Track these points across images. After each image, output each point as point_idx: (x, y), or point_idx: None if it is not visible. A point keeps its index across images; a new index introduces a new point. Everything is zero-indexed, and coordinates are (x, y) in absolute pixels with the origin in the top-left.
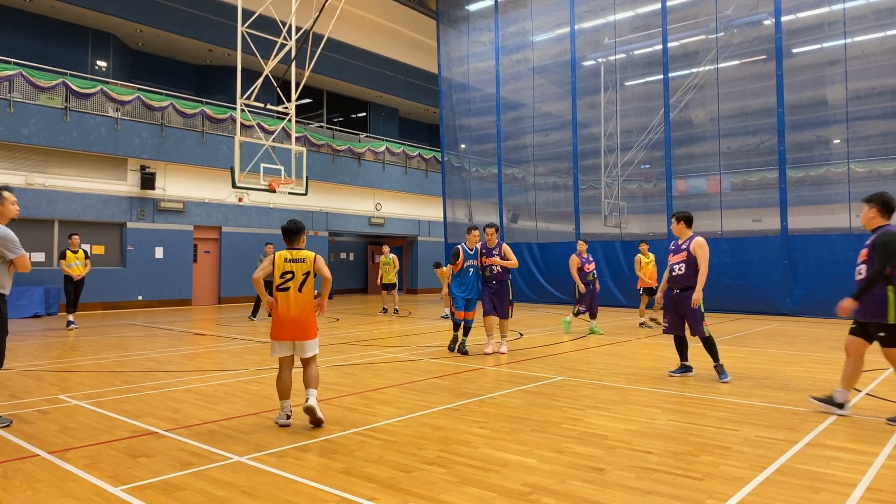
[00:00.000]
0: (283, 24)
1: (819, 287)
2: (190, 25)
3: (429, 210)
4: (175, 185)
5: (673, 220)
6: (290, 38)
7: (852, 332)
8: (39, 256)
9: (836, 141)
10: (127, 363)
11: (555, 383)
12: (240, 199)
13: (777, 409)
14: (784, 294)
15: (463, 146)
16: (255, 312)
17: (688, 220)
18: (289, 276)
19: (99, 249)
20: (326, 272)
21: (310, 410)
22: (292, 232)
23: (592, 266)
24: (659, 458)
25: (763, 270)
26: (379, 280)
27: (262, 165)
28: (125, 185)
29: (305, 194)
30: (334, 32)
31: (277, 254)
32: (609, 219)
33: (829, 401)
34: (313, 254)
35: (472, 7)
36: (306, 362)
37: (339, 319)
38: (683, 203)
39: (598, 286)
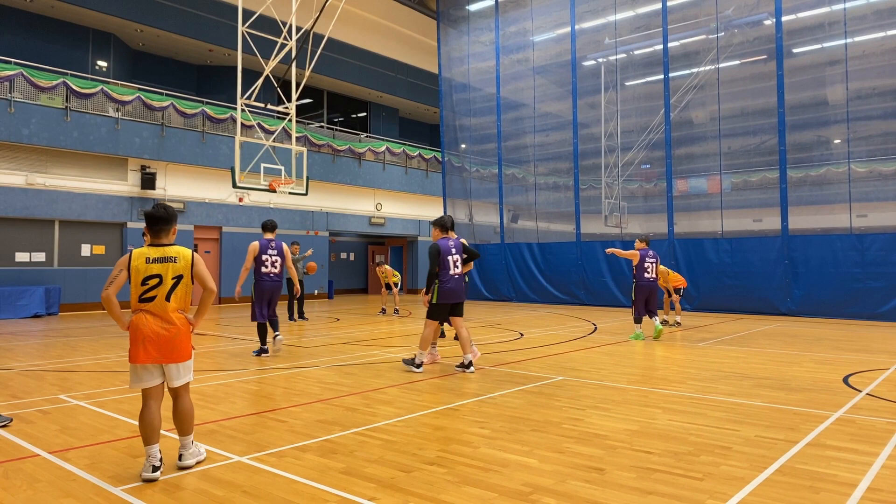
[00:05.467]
0: (284, 24)
1: (819, 287)
2: (190, 25)
3: (429, 210)
4: (175, 185)
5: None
6: (291, 38)
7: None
8: (40, 256)
9: (837, 141)
10: (127, 363)
11: (555, 383)
12: (240, 199)
13: (777, 409)
14: (784, 294)
15: (463, 146)
16: (291, 314)
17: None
18: (154, 280)
19: (99, 249)
20: (210, 281)
21: (185, 468)
22: (160, 220)
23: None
24: (659, 458)
25: (763, 270)
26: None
27: (263, 165)
28: (125, 185)
29: (306, 194)
30: (334, 32)
31: (134, 253)
32: (609, 219)
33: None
34: (189, 251)
35: (473, 7)
36: (176, 394)
37: (339, 319)
38: (684, 203)
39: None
